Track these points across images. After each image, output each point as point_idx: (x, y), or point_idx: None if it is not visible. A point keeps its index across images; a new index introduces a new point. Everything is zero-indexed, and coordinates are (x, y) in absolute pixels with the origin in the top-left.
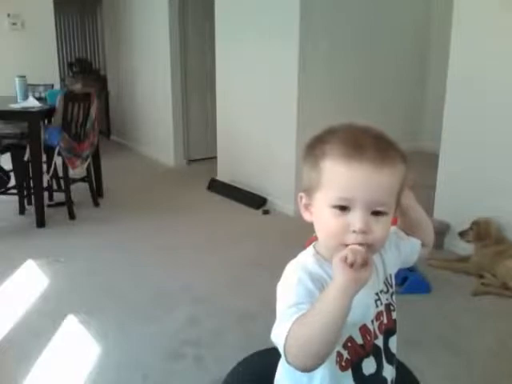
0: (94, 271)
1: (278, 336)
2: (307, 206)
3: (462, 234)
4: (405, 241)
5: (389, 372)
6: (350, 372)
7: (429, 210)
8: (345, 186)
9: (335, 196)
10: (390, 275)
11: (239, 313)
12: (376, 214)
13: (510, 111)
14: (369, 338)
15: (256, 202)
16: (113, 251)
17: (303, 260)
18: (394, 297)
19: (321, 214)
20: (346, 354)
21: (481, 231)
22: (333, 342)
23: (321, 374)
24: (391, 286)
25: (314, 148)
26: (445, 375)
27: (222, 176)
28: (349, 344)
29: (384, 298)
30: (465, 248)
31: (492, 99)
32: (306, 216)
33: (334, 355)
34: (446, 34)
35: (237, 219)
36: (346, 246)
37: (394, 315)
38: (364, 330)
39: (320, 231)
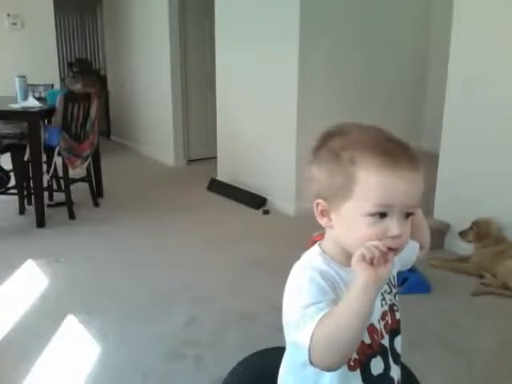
0: (93, 271)
1: (302, 337)
2: (325, 212)
3: (462, 234)
4: None
5: (395, 372)
6: (358, 372)
7: (429, 210)
8: (384, 195)
9: (373, 204)
10: (394, 276)
11: (239, 313)
12: (407, 216)
13: (510, 111)
14: (376, 337)
15: (256, 202)
16: (113, 251)
17: (310, 259)
18: (397, 297)
19: (352, 223)
20: (354, 354)
21: (481, 231)
22: (356, 341)
23: (329, 373)
24: (394, 287)
25: (337, 156)
26: (445, 375)
27: (222, 176)
28: None
29: (388, 299)
30: (465, 248)
31: (492, 99)
32: (323, 222)
33: None
34: (446, 34)
35: (237, 219)
36: None
37: (398, 315)
38: (371, 329)
39: (349, 239)
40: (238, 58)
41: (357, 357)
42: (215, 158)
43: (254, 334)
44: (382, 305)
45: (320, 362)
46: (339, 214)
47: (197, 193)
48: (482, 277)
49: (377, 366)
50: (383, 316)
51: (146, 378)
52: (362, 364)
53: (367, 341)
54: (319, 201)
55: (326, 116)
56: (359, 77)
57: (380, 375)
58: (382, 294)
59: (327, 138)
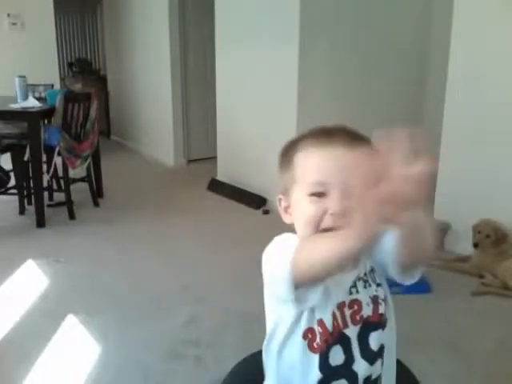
0: (93, 271)
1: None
2: (286, 209)
3: (477, 245)
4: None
5: (362, 367)
6: (317, 357)
7: (429, 210)
8: (318, 170)
9: (310, 182)
10: (372, 267)
11: (239, 313)
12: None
13: (510, 111)
14: (335, 324)
15: (256, 202)
16: (113, 251)
17: (288, 236)
18: (382, 290)
19: (299, 206)
20: (318, 338)
21: (499, 237)
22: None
23: (292, 348)
24: (375, 279)
25: (287, 152)
26: (444, 375)
27: (222, 176)
28: (320, 329)
29: (362, 286)
30: (465, 248)
31: (492, 99)
32: (287, 218)
33: (301, 330)
34: (446, 34)
35: (237, 219)
36: (322, 231)
37: (381, 309)
38: (333, 316)
39: (298, 221)
40: (238, 58)
41: (319, 342)
42: (215, 157)
43: (253, 334)
44: (350, 292)
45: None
46: (292, 204)
47: (197, 193)
48: (482, 277)
49: (336, 357)
50: (351, 304)
51: (146, 378)
52: (321, 350)
53: (330, 328)
54: (280, 196)
55: (326, 116)
56: (359, 77)
57: (338, 366)
58: (353, 281)
59: (289, 143)
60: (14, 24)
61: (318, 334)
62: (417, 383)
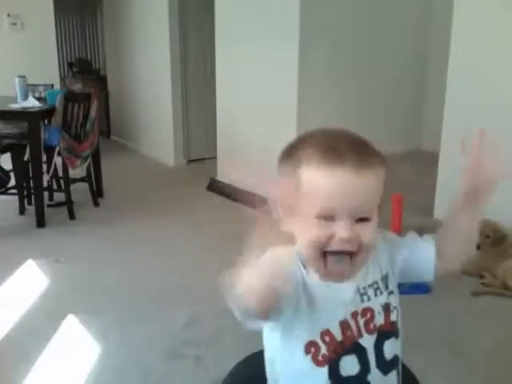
0: (93, 271)
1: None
2: (285, 218)
3: (478, 247)
4: (398, 242)
5: (376, 378)
6: (326, 369)
7: (429, 210)
8: (327, 195)
9: (318, 206)
10: (387, 274)
11: None
12: (361, 220)
13: (510, 111)
14: (349, 333)
15: (256, 202)
16: (113, 251)
17: (281, 254)
18: (394, 297)
19: (304, 225)
20: (323, 349)
21: (498, 237)
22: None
23: (294, 363)
24: (387, 287)
25: (289, 156)
26: (444, 375)
27: (222, 176)
28: (326, 338)
29: (373, 294)
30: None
31: (492, 99)
32: (285, 227)
33: (302, 342)
34: (446, 34)
35: (237, 219)
36: (327, 253)
37: (393, 317)
38: (345, 325)
39: (302, 238)
40: (237, 58)
41: (326, 353)
42: (215, 158)
43: (254, 334)
44: (362, 300)
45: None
46: (295, 217)
47: (197, 193)
48: (482, 277)
49: (348, 367)
50: (364, 313)
51: (146, 378)
52: (330, 361)
53: (339, 337)
54: (280, 206)
55: (326, 116)
56: (359, 77)
57: (351, 377)
58: (364, 288)
59: (290, 145)
60: (14, 24)
61: (322, 345)
62: (417, 383)
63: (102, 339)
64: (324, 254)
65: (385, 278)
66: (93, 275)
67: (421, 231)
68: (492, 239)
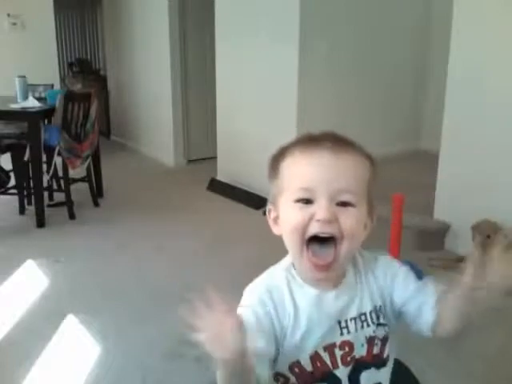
0: (93, 271)
1: None
2: (276, 220)
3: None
4: (407, 279)
5: None
6: None
7: (429, 210)
8: (304, 176)
9: (296, 189)
10: (380, 306)
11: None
12: (343, 204)
13: (510, 111)
14: (319, 364)
15: (256, 202)
16: (113, 251)
17: (273, 273)
18: (383, 330)
19: (286, 214)
20: (293, 379)
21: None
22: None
23: None
24: (378, 318)
25: (275, 160)
26: (444, 376)
27: (222, 176)
28: (296, 369)
29: (354, 328)
30: (465, 248)
31: (492, 99)
32: (276, 230)
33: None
34: (446, 34)
35: (237, 219)
36: (309, 241)
37: (377, 349)
38: (315, 357)
39: (285, 230)
40: (237, 58)
41: (296, 383)
42: (215, 158)
43: None
44: (342, 333)
45: None
46: (280, 214)
47: (197, 193)
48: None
49: None
50: (342, 345)
51: (146, 378)
52: None
53: (309, 368)
54: (270, 207)
55: (327, 116)
56: (359, 77)
57: None
58: (345, 321)
59: (276, 153)
60: (14, 24)
61: (291, 376)
62: (417, 383)
63: (102, 339)
64: (307, 243)
65: (376, 310)
66: (93, 275)
67: (421, 231)
68: (492, 239)
